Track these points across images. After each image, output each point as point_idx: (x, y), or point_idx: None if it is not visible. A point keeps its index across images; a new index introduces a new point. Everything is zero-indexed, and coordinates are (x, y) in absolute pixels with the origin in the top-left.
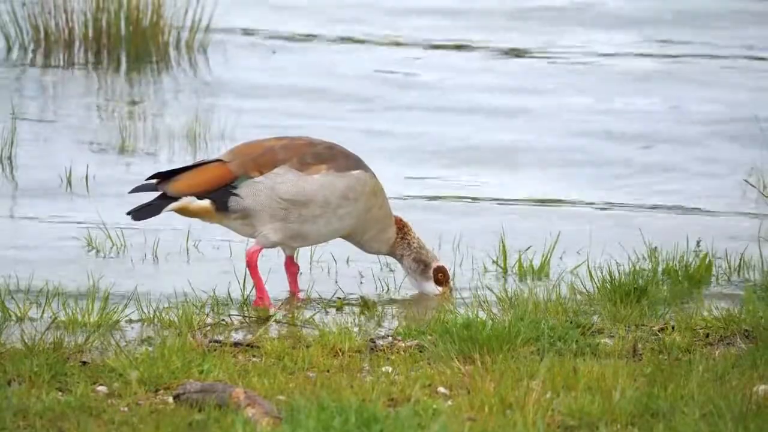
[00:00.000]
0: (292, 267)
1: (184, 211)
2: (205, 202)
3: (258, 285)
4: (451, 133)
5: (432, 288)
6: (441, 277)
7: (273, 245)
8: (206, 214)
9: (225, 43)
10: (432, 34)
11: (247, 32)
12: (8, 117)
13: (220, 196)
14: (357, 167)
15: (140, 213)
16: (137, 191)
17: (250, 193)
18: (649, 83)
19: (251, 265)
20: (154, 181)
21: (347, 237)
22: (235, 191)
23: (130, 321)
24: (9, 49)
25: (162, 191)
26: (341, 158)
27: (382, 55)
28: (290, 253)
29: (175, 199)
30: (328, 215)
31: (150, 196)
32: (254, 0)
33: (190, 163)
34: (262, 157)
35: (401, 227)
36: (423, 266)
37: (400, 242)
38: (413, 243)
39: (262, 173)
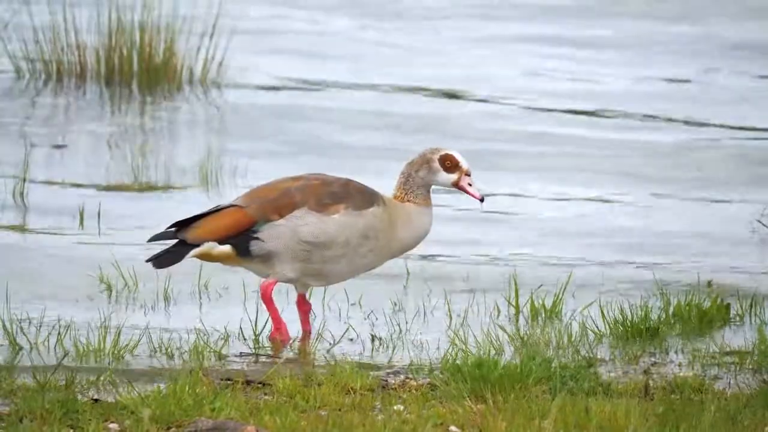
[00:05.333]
0: (304, 305)
1: (205, 257)
2: (226, 248)
3: (274, 317)
4: None
5: (446, 178)
6: (447, 163)
7: (288, 281)
8: (227, 259)
9: (238, 80)
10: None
11: (260, 70)
12: (21, 153)
13: (241, 241)
14: (372, 203)
15: (161, 261)
16: (156, 239)
17: (272, 236)
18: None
19: (266, 297)
20: (172, 229)
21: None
22: (256, 235)
23: (142, 358)
24: (22, 86)
25: (181, 238)
26: (357, 195)
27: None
28: (302, 291)
29: (196, 245)
30: (349, 255)
31: (169, 243)
32: (268, 40)
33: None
34: (280, 200)
35: (402, 198)
36: (427, 165)
37: (412, 192)
38: (407, 174)
39: (281, 216)
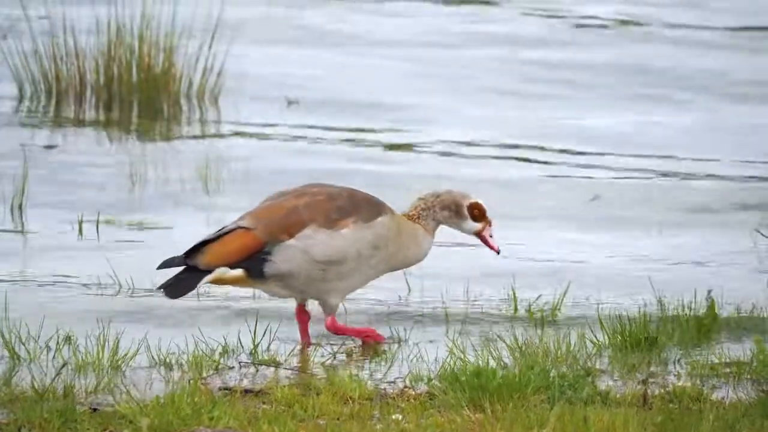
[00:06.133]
0: (303, 315)
1: (219, 282)
2: (239, 271)
3: (357, 333)
4: None
5: (471, 226)
6: (476, 213)
7: (337, 307)
8: (241, 282)
9: (237, 90)
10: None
11: (259, 81)
12: (19, 164)
13: (254, 264)
14: (380, 213)
15: (174, 290)
16: (165, 267)
17: (285, 258)
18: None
19: (337, 329)
20: (181, 255)
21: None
22: (268, 257)
23: (140, 367)
24: (20, 96)
25: (192, 265)
26: (364, 207)
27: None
28: (301, 302)
29: (208, 272)
30: (362, 267)
31: (177, 270)
32: (267, 50)
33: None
34: (288, 219)
35: (412, 216)
36: (455, 208)
37: (425, 220)
38: (427, 202)
39: (291, 235)
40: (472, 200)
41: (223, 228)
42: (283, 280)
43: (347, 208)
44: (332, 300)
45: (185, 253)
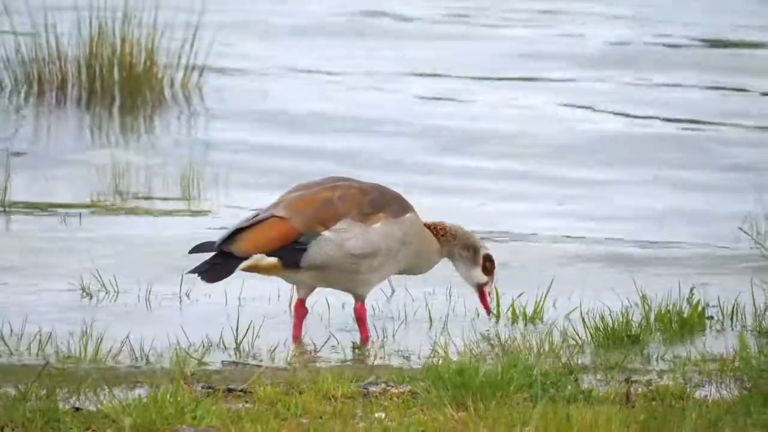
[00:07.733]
0: (301, 310)
1: (253, 269)
2: (273, 260)
3: (365, 335)
4: None
5: (479, 276)
6: (488, 265)
7: (366, 296)
8: (274, 270)
9: (219, 85)
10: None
11: (241, 73)
12: (2, 161)
13: (289, 253)
14: (407, 210)
15: (211, 274)
16: (198, 251)
17: (321, 250)
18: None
19: (361, 318)
20: (213, 241)
21: (400, 272)
22: (303, 248)
23: (123, 366)
24: (2, 95)
25: (227, 251)
26: (394, 203)
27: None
28: (303, 296)
29: (244, 258)
30: (390, 262)
31: (207, 255)
32: (249, 43)
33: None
34: (324, 212)
35: (437, 231)
36: (473, 252)
37: (446, 242)
38: (456, 232)
39: (327, 228)
40: (488, 252)
41: (256, 216)
42: (316, 270)
43: (378, 202)
44: (362, 290)
45: (220, 240)
